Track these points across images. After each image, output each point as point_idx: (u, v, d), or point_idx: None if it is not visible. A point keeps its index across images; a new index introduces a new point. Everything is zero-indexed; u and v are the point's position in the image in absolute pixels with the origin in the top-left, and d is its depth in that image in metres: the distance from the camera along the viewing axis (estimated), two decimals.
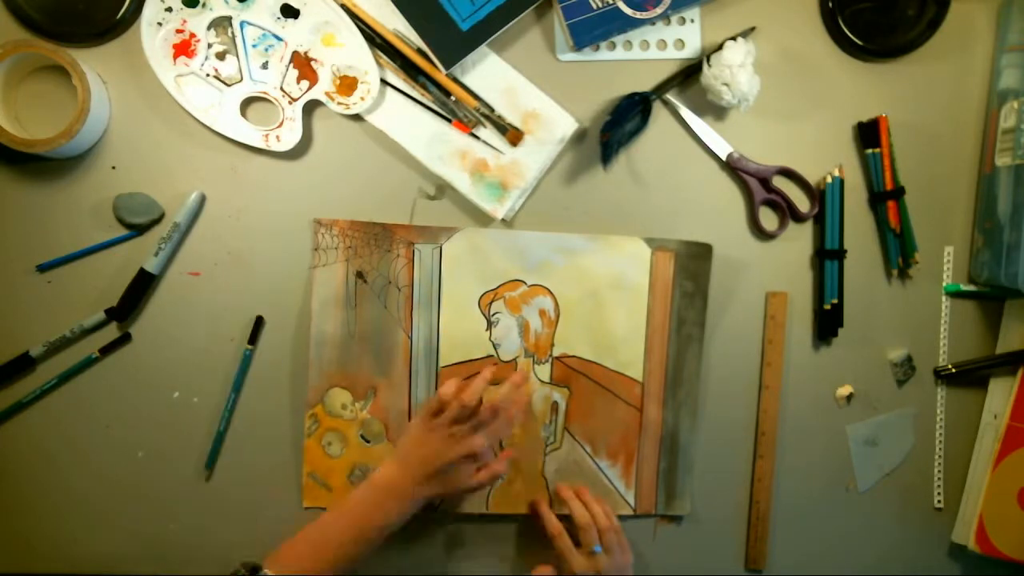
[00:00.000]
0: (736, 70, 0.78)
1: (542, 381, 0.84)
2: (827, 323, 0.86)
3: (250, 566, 0.69)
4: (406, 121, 0.81)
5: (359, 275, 0.81)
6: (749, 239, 0.86)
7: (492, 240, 0.82)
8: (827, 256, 0.85)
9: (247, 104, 0.80)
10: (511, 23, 0.79)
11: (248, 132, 0.79)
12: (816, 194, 0.85)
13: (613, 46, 0.83)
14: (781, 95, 0.85)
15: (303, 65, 0.78)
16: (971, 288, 0.87)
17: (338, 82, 0.79)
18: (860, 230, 0.86)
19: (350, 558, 0.71)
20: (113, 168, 0.79)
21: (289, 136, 0.79)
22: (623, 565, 0.79)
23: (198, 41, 0.77)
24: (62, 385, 0.80)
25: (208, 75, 0.78)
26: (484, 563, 0.84)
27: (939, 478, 0.89)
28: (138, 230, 0.78)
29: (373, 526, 0.73)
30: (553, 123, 0.82)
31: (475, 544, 0.84)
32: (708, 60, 0.80)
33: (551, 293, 0.83)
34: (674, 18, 0.83)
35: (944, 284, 0.88)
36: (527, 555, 0.85)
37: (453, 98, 0.81)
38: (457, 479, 0.75)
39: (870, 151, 0.85)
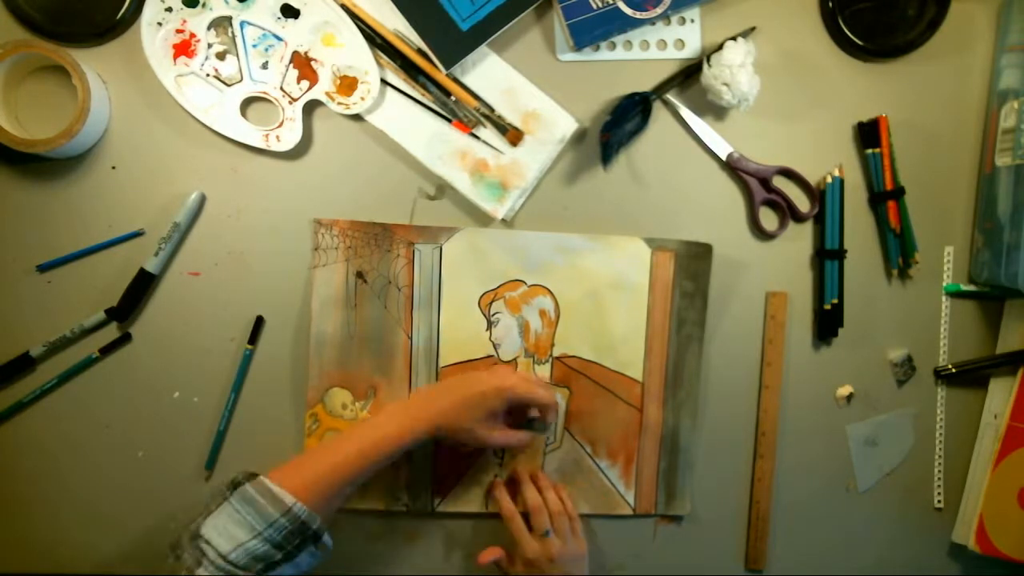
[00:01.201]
0: (736, 70, 0.78)
1: None
2: (827, 323, 0.86)
3: (248, 474, 0.67)
4: (406, 121, 0.81)
5: (359, 275, 0.81)
6: (749, 239, 0.86)
7: (492, 240, 0.82)
8: (827, 256, 0.85)
9: (247, 104, 0.80)
10: (511, 23, 0.79)
11: (248, 132, 0.79)
12: (816, 194, 0.85)
13: (613, 46, 0.83)
14: (781, 95, 0.85)
15: (303, 65, 0.78)
16: (971, 288, 0.87)
17: (338, 82, 0.79)
18: (860, 230, 0.86)
19: (353, 476, 0.70)
20: (113, 168, 0.79)
21: (289, 136, 0.79)
22: (577, 554, 0.78)
23: (198, 41, 0.77)
24: (62, 385, 0.80)
25: (208, 75, 0.78)
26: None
27: (939, 478, 0.89)
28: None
29: (381, 451, 0.71)
30: (553, 123, 0.82)
31: (475, 544, 0.84)
32: (708, 60, 0.80)
33: (551, 293, 0.83)
34: (674, 18, 0.83)
35: (944, 284, 0.88)
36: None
37: (453, 98, 0.81)
38: (477, 436, 0.75)
39: (870, 151, 0.85)
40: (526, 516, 0.79)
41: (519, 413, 0.79)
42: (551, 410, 0.79)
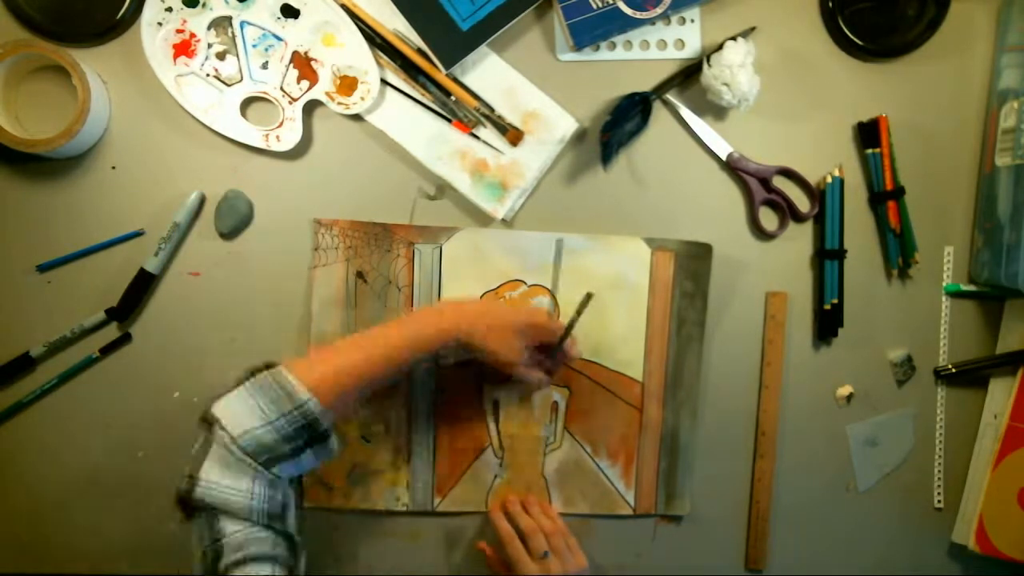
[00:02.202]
0: (736, 70, 0.78)
1: None
2: (827, 323, 0.86)
3: (267, 363, 0.65)
4: (406, 121, 0.81)
5: (359, 275, 0.81)
6: (749, 239, 0.86)
7: (492, 240, 0.82)
8: (827, 256, 0.85)
9: (247, 104, 0.80)
10: (511, 23, 0.79)
11: (248, 132, 0.79)
12: (816, 194, 0.85)
13: (613, 46, 0.83)
14: (781, 95, 0.85)
15: (303, 65, 0.78)
16: (971, 288, 0.87)
17: (338, 82, 0.79)
18: (860, 230, 0.86)
19: (374, 377, 0.67)
20: (113, 168, 0.79)
21: (289, 136, 0.79)
22: (577, 571, 0.78)
23: (198, 41, 0.77)
24: (62, 385, 0.80)
25: (208, 75, 0.78)
26: (484, 563, 0.84)
27: (939, 478, 0.89)
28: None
29: (406, 353, 0.69)
30: (553, 123, 0.82)
31: (475, 543, 0.84)
32: (708, 60, 0.80)
33: (551, 293, 0.83)
34: (674, 18, 0.83)
35: (944, 284, 0.88)
36: (478, 555, 0.85)
37: (453, 98, 0.81)
38: (499, 357, 0.73)
39: (870, 151, 0.85)
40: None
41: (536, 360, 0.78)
42: (573, 346, 0.78)
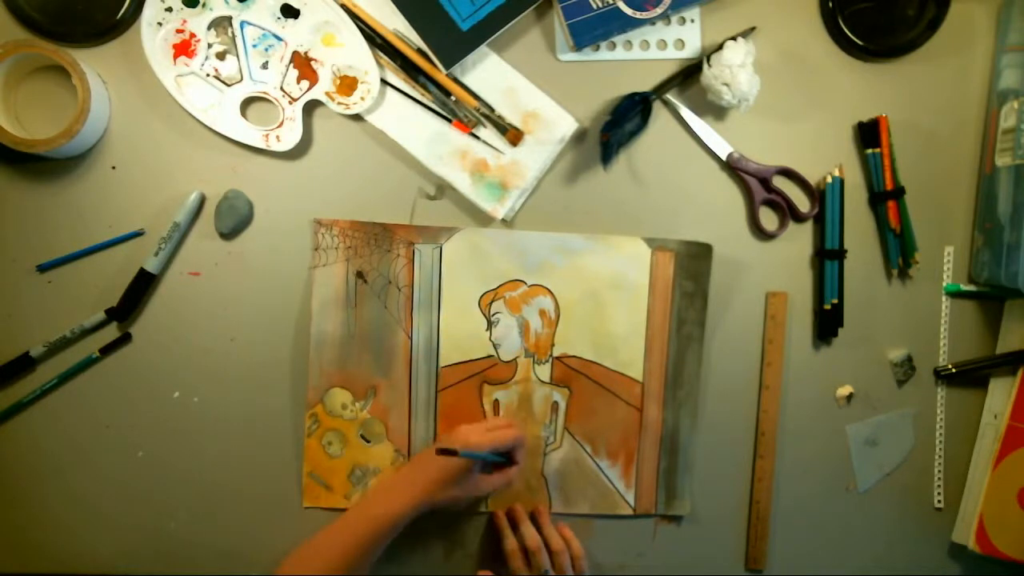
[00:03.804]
0: (736, 70, 0.78)
1: (542, 381, 0.84)
2: (827, 323, 0.86)
3: None
4: (406, 121, 0.81)
5: (359, 275, 0.81)
6: (749, 239, 0.86)
7: (492, 240, 0.82)
8: (827, 256, 0.85)
9: (247, 104, 0.80)
10: (511, 23, 0.79)
11: (248, 132, 0.79)
12: (816, 194, 0.85)
13: (613, 46, 0.83)
14: (781, 95, 0.85)
15: (303, 65, 0.78)
16: (971, 288, 0.87)
17: (338, 82, 0.79)
18: (860, 230, 0.86)
19: (349, 568, 0.73)
20: (113, 168, 0.79)
21: (289, 136, 0.79)
22: None
23: (198, 41, 0.77)
24: (62, 385, 0.80)
25: (208, 75, 0.78)
26: (441, 558, 0.84)
27: (939, 478, 0.89)
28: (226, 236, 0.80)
29: (374, 538, 0.74)
30: (553, 123, 0.82)
31: (475, 544, 0.84)
32: (708, 60, 0.80)
33: (551, 293, 0.83)
34: (674, 18, 0.83)
35: (944, 284, 0.88)
36: (481, 553, 0.85)
37: (453, 98, 0.81)
38: (465, 497, 0.77)
39: (870, 151, 0.85)
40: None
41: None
42: (519, 448, 0.80)
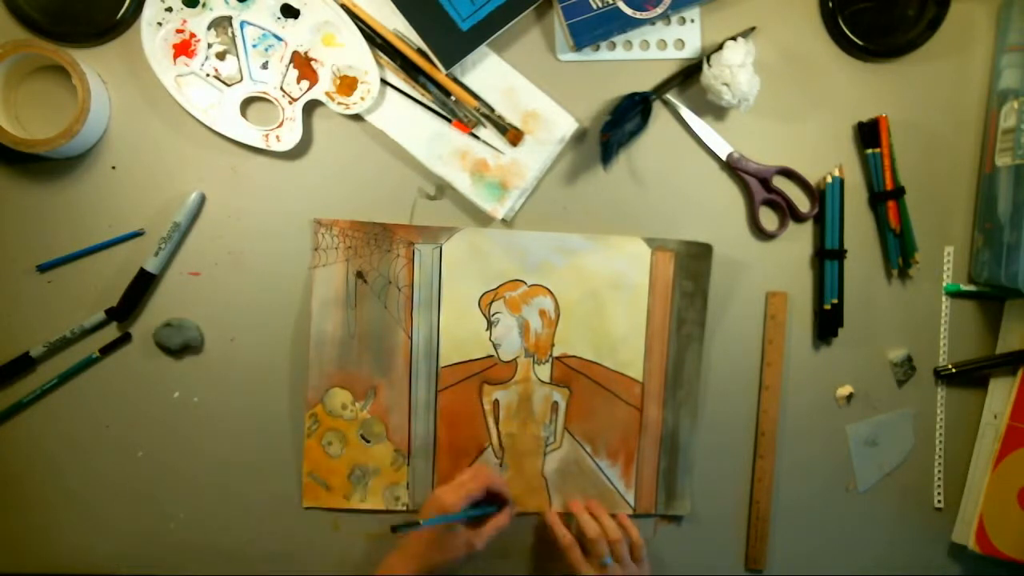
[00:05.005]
0: (736, 70, 0.78)
1: (542, 381, 0.84)
2: (827, 323, 0.86)
3: None
4: (406, 121, 0.81)
5: (359, 275, 0.81)
6: (749, 239, 0.86)
7: (492, 240, 0.82)
8: (827, 256, 0.85)
9: (247, 104, 0.80)
10: (511, 23, 0.79)
11: (248, 132, 0.79)
12: (816, 194, 0.85)
13: (613, 46, 0.83)
14: (781, 95, 0.85)
15: (303, 65, 0.78)
16: (971, 288, 0.87)
17: (338, 82, 0.79)
18: (860, 230, 0.86)
19: None
20: (113, 168, 0.79)
21: (289, 136, 0.79)
22: None
23: (198, 41, 0.77)
24: (62, 385, 0.80)
25: (208, 75, 0.78)
26: (485, 563, 0.84)
27: (939, 478, 0.89)
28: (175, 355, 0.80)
29: None
30: (553, 123, 0.82)
31: (526, 547, 0.84)
32: (708, 60, 0.80)
33: (551, 293, 0.83)
34: (674, 18, 0.83)
35: (944, 284, 0.88)
36: (529, 555, 0.85)
37: (453, 98, 0.81)
38: (462, 553, 0.75)
39: (870, 151, 0.85)
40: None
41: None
42: (501, 488, 0.79)
